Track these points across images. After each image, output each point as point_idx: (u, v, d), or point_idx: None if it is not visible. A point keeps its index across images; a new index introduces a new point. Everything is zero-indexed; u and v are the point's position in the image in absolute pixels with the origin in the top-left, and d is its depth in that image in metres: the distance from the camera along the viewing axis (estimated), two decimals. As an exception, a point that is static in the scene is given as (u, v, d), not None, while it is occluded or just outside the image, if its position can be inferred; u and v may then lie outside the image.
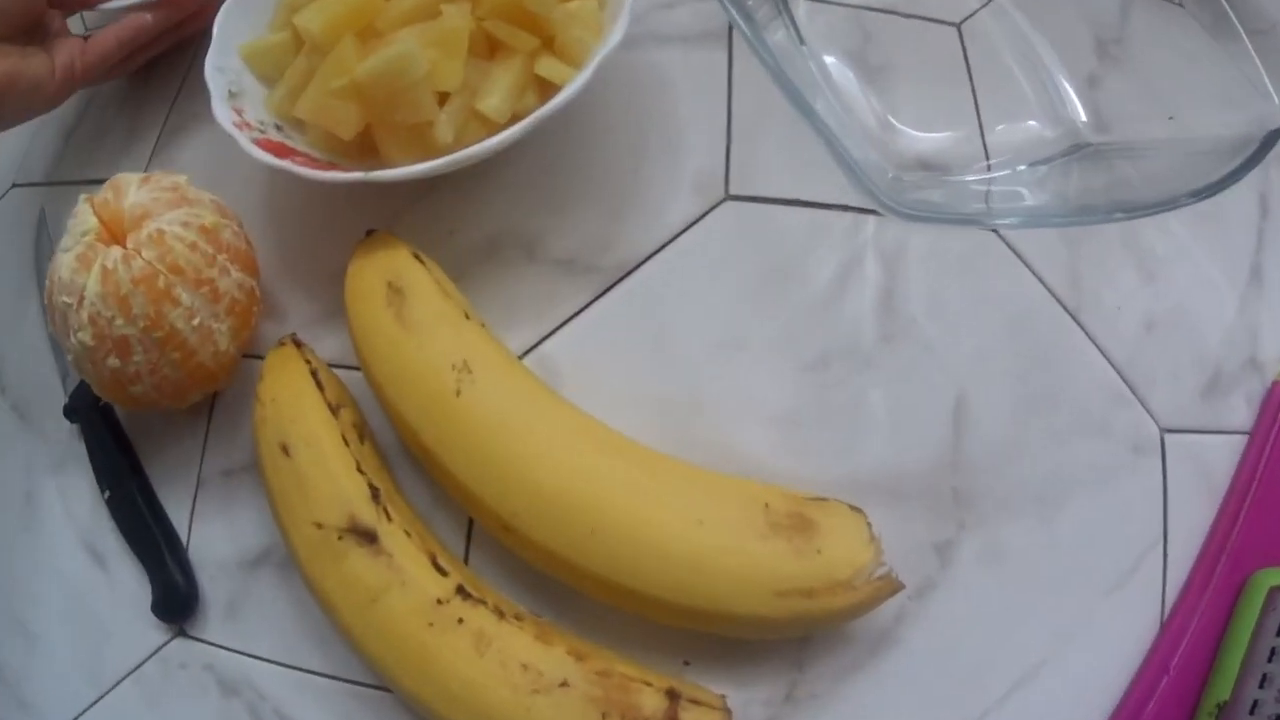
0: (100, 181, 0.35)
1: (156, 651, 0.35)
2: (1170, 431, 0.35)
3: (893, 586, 0.29)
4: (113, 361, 0.33)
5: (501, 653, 0.28)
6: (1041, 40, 0.42)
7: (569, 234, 0.37)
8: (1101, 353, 0.36)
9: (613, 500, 0.28)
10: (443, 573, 0.29)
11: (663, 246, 0.37)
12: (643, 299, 0.36)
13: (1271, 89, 0.32)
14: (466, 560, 0.33)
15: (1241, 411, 0.36)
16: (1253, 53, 0.33)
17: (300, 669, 0.34)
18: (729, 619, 0.28)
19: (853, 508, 0.30)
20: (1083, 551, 0.33)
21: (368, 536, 0.30)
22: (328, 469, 0.31)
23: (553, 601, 0.32)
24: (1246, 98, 0.32)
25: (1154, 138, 0.36)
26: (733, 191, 0.38)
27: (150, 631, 0.36)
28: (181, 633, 0.35)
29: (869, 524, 0.30)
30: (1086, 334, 0.36)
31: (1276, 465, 0.35)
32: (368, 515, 0.30)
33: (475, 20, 0.34)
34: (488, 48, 0.35)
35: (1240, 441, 0.35)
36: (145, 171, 0.42)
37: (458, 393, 0.30)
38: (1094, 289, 0.36)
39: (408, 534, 0.30)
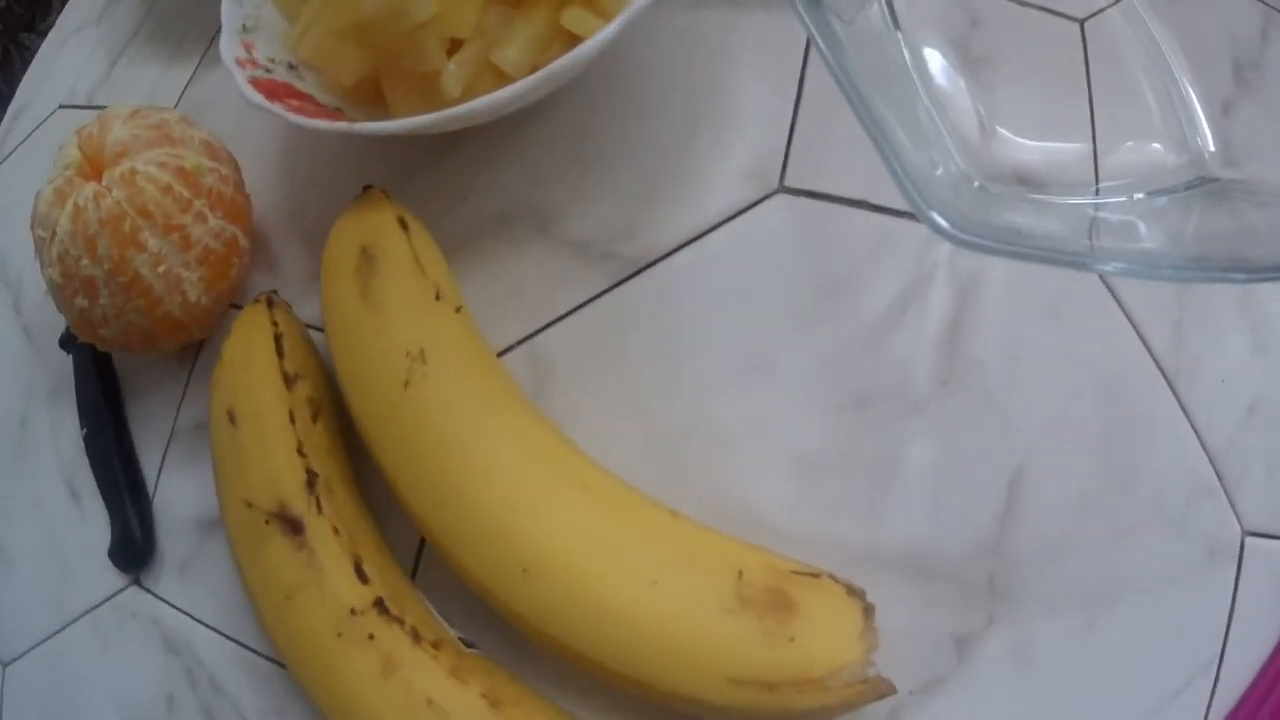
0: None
1: (112, 597, 0.34)
2: (1253, 535, 0.29)
3: (879, 690, 0.24)
4: (80, 302, 0.31)
5: (408, 681, 0.24)
6: (1175, 51, 0.35)
7: (590, 212, 0.33)
8: (1195, 432, 0.29)
9: (553, 538, 0.24)
10: (364, 580, 0.26)
11: (696, 238, 0.32)
12: (662, 297, 0.31)
13: None
14: (417, 566, 0.30)
15: None
16: None
17: (240, 643, 0.32)
18: (672, 697, 0.24)
19: (851, 589, 0.25)
20: (1124, 664, 0.28)
21: (293, 526, 0.27)
22: (265, 445, 0.28)
23: (495, 628, 0.28)
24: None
25: None
26: (789, 183, 0.32)
27: (110, 576, 0.34)
28: (136, 582, 0.34)
29: (866, 612, 0.25)
30: (1182, 407, 0.30)
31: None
32: (298, 503, 0.27)
33: (499, -40, 0.31)
34: (512, -6, 0.31)
35: None
36: (175, 104, 0.42)
37: (406, 384, 0.26)
38: (1197, 354, 0.30)
39: (336, 530, 0.27)
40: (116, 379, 0.37)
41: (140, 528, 0.34)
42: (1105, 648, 0.27)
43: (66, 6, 0.49)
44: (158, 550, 0.34)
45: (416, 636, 0.25)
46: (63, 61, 0.47)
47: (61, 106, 0.45)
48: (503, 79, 0.30)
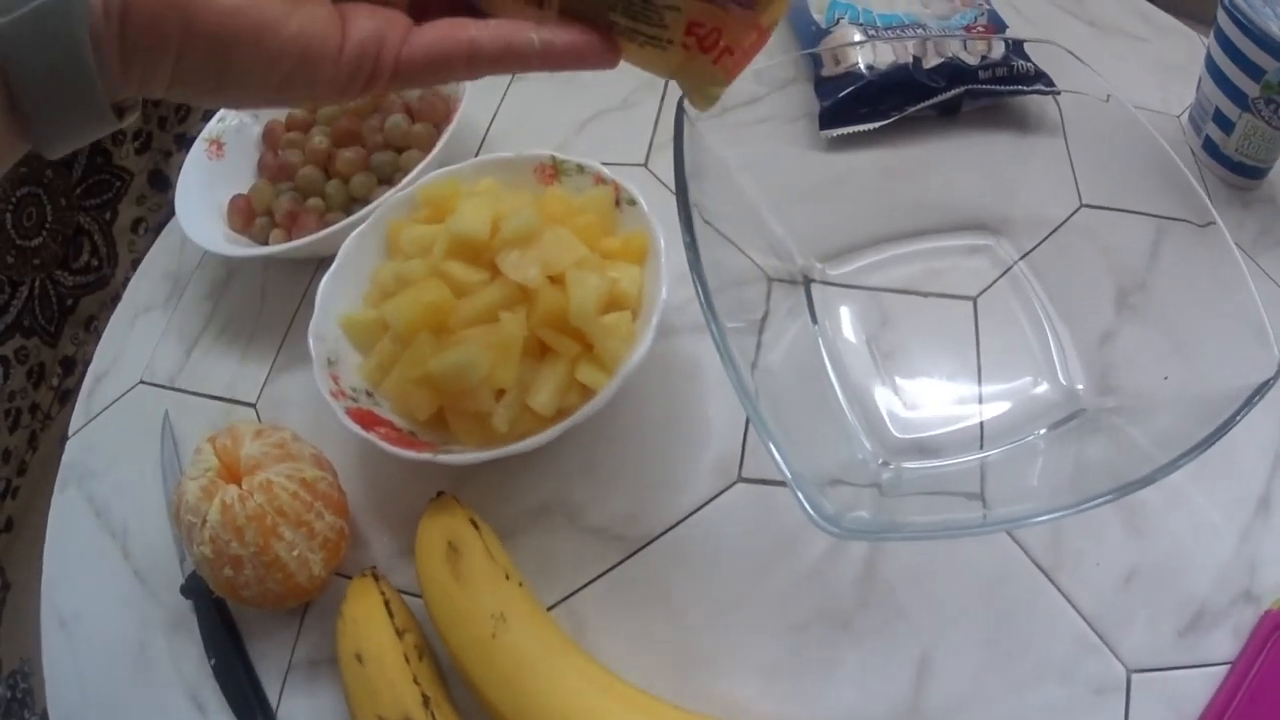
0: (216, 398, 0.44)
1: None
2: (1139, 671, 0.38)
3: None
4: (227, 572, 0.43)
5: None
6: (1054, 305, 0.46)
7: (604, 505, 0.46)
8: (1073, 607, 0.40)
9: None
10: (472, 771, 0.39)
11: (680, 521, 0.45)
12: (659, 565, 0.44)
13: (1272, 336, 0.34)
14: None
15: (1225, 645, 0.39)
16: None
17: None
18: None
19: None
20: None
21: (419, 734, 0.40)
22: (389, 678, 0.40)
23: None
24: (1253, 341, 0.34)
25: (1155, 396, 0.40)
26: (745, 474, 0.46)
27: None
28: (264, 785, 0.45)
29: None
30: (1060, 591, 0.41)
31: (1259, 689, 0.36)
32: (418, 716, 0.39)
33: (529, 327, 0.44)
34: (539, 349, 0.44)
35: (1218, 674, 0.38)
36: (255, 400, 0.53)
37: (494, 636, 0.39)
38: (1075, 549, 0.41)
39: (447, 735, 0.40)
40: (235, 622, 0.47)
41: (270, 735, 0.45)
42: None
43: (130, 285, 0.60)
44: None
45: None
46: (136, 338, 0.57)
47: (142, 382, 0.55)
48: (537, 415, 0.43)
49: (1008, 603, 0.41)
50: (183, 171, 0.56)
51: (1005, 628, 0.41)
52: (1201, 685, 0.38)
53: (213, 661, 0.47)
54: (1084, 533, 0.42)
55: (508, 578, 0.42)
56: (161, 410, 0.53)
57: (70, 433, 0.56)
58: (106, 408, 0.56)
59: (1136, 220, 0.43)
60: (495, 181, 0.49)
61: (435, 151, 0.51)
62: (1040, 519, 0.34)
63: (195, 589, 0.48)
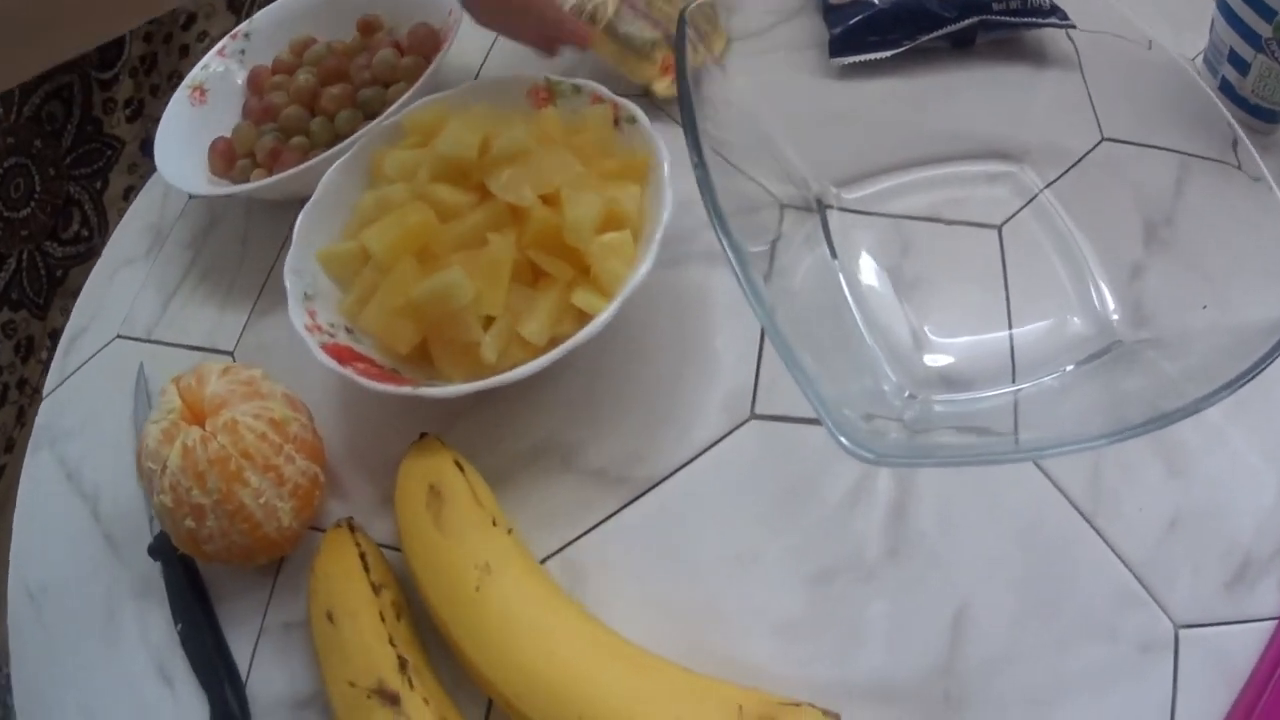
0: (193, 349, 0.41)
1: (210, 769, 0.41)
2: (1187, 627, 0.35)
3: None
4: (189, 523, 0.39)
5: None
6: (1083, 234, 0.44)
7: (604, 446, 0.42)
8: (1117, 556, 0.37)
9: (599, 693, 0.33)
10: (453, 740, 0.35)
11: (688, 462, 0.41)
12: (665, 511, 0.40)
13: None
14: (487, 728, 0.38)
15: (1271, 598, 0.36)
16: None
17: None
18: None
19: (827, 713, 0.33)
20: None
21: (391, 699, 0.35)
22: (363, 639, 0.36)
23: None
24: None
25: (1191, 328, 0.38)
26: (758, 410, 0.42)
27: None
28: (237, 759, 0.41)
29: None
30: (1102, 538, 0.37)
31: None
32: (393, 681, 0.35)
33: (519, 249, 0.40)
34: (531, 274, 0.41)
35: (1265, 630, 0.35)
36: (233, 348, 0.49)
37: (477, 589, 0.35)
38: (1115, 490, 0.38)
39: (426, 701, 0.35)
40: (204, 584, 0.44)
41: (239, 707, 0.41)
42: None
43: (112, 238, 0.57)
44: None
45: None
46: (115, 292, 0.54)
47: (119, 336, 0.52)
48: (529, 347, 0.39)
49: (1047, 550, 0.37)
50: (164, 118, 0.53)
51: (1045, 578, 0.37)
52: (1248, 642, 0.34)
53: (179, 627, 0.43)
54: (1123, 474, 0.38)
55: (494, 524, 0.37)
56: (137, 367, 0.50)
57: (45, 393, 0.53)
58: (82, 365, 0.53)
59: (1160, 156, 0.41)
60: (488, 106, 0.45)
61: (423, 79, 0.48)
62: (1079, 446, 0.31)
63: (162, 549, 0.44)
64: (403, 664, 0.36)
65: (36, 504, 0.50)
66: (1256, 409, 0.38)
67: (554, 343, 0.38)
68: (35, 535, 0.49)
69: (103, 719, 0.43)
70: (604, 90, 0.44)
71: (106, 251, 0.57)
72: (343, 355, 0.40)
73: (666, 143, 0.43)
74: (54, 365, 0.53)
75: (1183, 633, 0.35)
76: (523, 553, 0.37)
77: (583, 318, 0.39)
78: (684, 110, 0.37)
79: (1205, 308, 0.38)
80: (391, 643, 0.36)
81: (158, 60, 0.71)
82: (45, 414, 0.52)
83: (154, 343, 0.51)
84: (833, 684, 0.36)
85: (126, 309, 0.53)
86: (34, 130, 0.64)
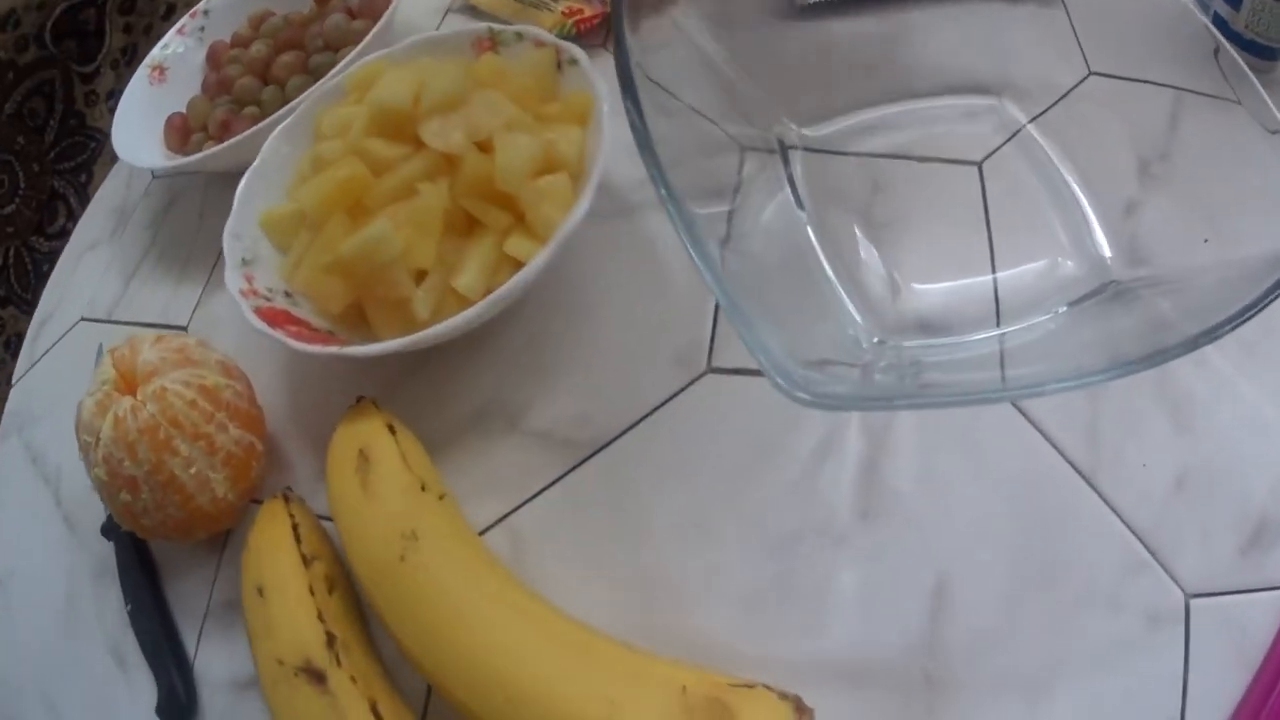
0: (150, 325, 0.40)
1: (159, 752, 0.39)
2: (1198, 596, 0.32)
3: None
4: (124, 496, 0.37)
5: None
6: (1072, 170, 0.40)
7: (550, 407, 0.39)
8: (1119, 518, 0.33)
9: (530, 673, 0.30)
10: (379, 718, 0.32)
11: (638, 421, 0.38)
12: (614, 474, 0.37)
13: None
14: (427, 707, 0.35)
15: None
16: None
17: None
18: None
19: (783, 694, 0.30)
20: None
21: (317, 677, 0.33)
22: (290, 614, 0.34)
23: None
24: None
25: (1190, 265, 0.34)
26: (715, 364, 0.39)
27: None
28: (180, 737, 0.39)
29: (798, 710, 0.29)
30: (1103, 499, 0.33)
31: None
32: (320, 658, 0.33)
33: (452, 199, 0.38)
34: (467, 225, 0.39)
35: None
36: (187, 322, 0.48)
37: (402, 558, 0.33)
38: (1116, 446, 0.34)
39: (353, 679, 0.33)
40: (154, 563, 0.42)
41: (184, 688, 0.39)
42: (1055, 720, 0.30)
43: (78, 225, 0.57)
44: (200, 709, 0.39)
45: (427, 766, 0.31)
46: (80, 276, 0.54)
47: (83, 319, 0.52)
48: (464, 301, 0.37)
49: (1040, 513, 0.33)
50: (123, 98, 0.52)
51: (1038, 544, 0.33)
52: (1266, 612, 0.31)
53: (129, 608, 0.42)
54: (1124, 429, 0.34)
55: (424, 489, 0.35)
56: (96, 348, 0.49)
57: (14, 380, 0.52)
58: (48, 351, 0.52)
59: (1153, 90, 0.37)
60: (431, 61, 0.43)
61: (370, 38, 0.46)
62: (1072, 383, 0.27)
63: (114, 528, 0.43)
64: (330, 639, 0.34)
65: (3, 492, 0.49)
66: (1267, 357, 0.35)
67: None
68: (2, 524, 0.49)
69: (62, 705, 0.43)
70: (546, 35, 0.42)
71: (73, 237, 0.57)
72: (277, 319, 0.39)
73: (612, 85, 0.40)
74: (23, 353, 0.53)
75: (1194, 602, 0.32)
76: (454, 520, 0.35)
77: (520, 269, 0.37)
78: (617, 43, 0.34)
79: (1206, 241, 0.34)
80: (320, 618, 0.34)
81: (138, 51, 0.71)
82: (14, 401, 0.52)
83: (114, 323, 0.50)
84: (797, 662, 0.33)
85: (91, 292, 0.52)
86: (16, 127, 0.65)
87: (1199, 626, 0.31)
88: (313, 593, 0.35)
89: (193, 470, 0.37)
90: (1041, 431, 0.35)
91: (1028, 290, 0.38)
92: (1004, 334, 0.37)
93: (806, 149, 0.42)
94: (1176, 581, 0.32)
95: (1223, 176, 0.34)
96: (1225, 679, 0.30)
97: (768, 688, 0.30)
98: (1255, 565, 0.32)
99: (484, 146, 0.38)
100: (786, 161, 0.42)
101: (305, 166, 0.41)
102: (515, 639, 0.31)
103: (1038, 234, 0.39)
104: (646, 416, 0.38)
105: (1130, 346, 0.31)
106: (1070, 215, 0.39)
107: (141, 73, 0.53)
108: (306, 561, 0.36)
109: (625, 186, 0.42)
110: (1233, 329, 0.27)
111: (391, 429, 0.36)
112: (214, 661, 0.40)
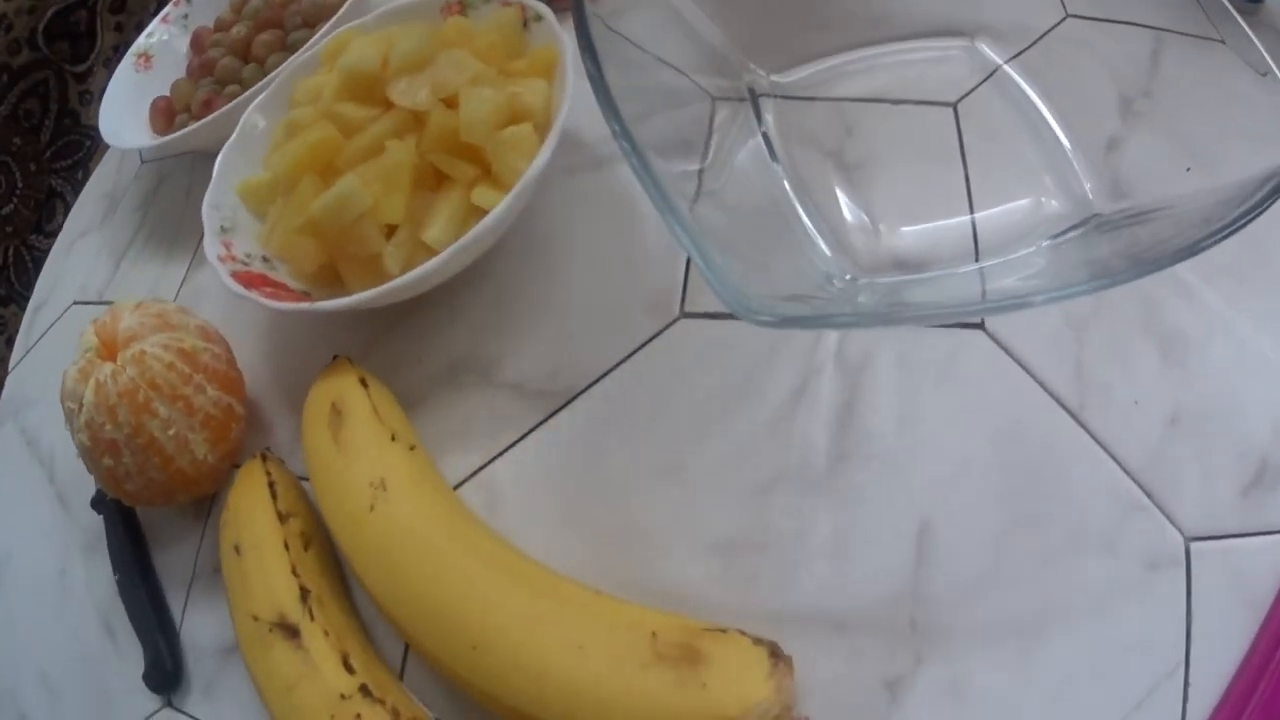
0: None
1: (149, 718, 0.39)
2: (1199, 540, 0.30)
3: (798, 725, 0.28)
4: (107, 461, 0.38)
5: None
6: (1050, 109, 0.39)
7: (522, 358, 0.39)
8: (1111, 456, 0.31)
9: (495, 619, 0.30)
10: (351, 671, 0.32)
11: (611, 369, 0.37)
12: (587, 424, 0.37)
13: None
14: (404, 662, 0.35)
15: None
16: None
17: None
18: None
19: (757, 640, 0.29)
20: (1076, 682, 0.28)
21: (291, 631, 0.33)
22: (265, 570, 0.34)
23: (467, 710, 0.33)
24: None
25: (1175, 193, 0.33)
26: (688, 309, 0.38)
27: (145, 699, 0.39)
28: (169, 703, 0.39)
29: (773, 655, 0.28)
30: (1093, 437, 0.32)
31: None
32: (294, 613, 0.33)
33: (420, 154, 0.38)
34: (435, 180, 0.39)
35: None
36: (174, 297, 0.49)
37: (371, 508, 0.33)
38: (1105, 382, 0.33)
39: (326, 633, 0.33)
40: (142, 532, 0.43)
41: (170, 656, 0.39)
42: (1049, 670, 0.29)
43: (70, 214, 0.58)
44: (186, 674, 0.39)
45: (396, 715, 0.31)
46: (72, 263, 0.55)
47: (76, 303, 0.52)
48: (434, 254, 0.37)
49: (1027, 452, 0.32)
50: (109, 85, 0.53)
51: (1026, 486, 0.31)
52: (1271, 557, 0.29)
53: (117, 578, 0.42)
54: (1112, 363, 0.33)
55: (394, 439, 0.35)
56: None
57: (10, 368, 0.53)
58: (42, 336, 0.53)
59: (1133, 31, 0.36)
60: (400, 28, 0.43)
61: (344, 9, 0.47)
62: (1049, 296, 0.26)
63: (102, 499, 0.44)
64: (304, 594, 0.34)
65: (2, 476, 0.50)
66: (1261, 290, 0.34)
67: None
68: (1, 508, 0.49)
69: (56, 679, 0.43)
70: (514, -6, 0.42)
71: (66, 226, 0.58)
72: (254, 281, 0.39)
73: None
74: (18, 339, 0.54)
75: (1194, 546, 0.30)
76: (425, 469, 0.35)
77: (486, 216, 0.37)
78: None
79: (1189, 170, 0.32)
80: (294, 572, 0.34)
81: (129, 48, 0.71)
82: (10, 388, 0.52)
83: (106, 304, 0.50)
84: (776, 610, 0.31)
85: (83, 277, 0.53)
86: (12, 128, 0.66)
87: (1200, 571, 0.29)
88: (288, 548, 0.35)
89: (171, 432, 0.37)
90: (1025, 367, 0.34)
91: (1008, 228, 0.37)
92: (984, 266, 0.36)
93: (778, 96, 0.42)
94: (1174, 524, 0.30)
95: (1208, 111, 0.33)
96: (1230, 625, 0.29)
97: (741, 632, 0.29)
98: (1258, 507, 0.30)
99: (450, 103, 0.38)
100: (758, 110, 0.41)
101: (280, 134, 0.42)
102: (482, 586, 0.31)
103: (1017, 172, 0.38)
104: (619, 364, 0.37)
105: (1115, 265, 0.30)
106: (1049, 153, 0.38)
107: (127, 61, 0.54)
108: (282, 518, 0.36)
109: (595, 140, 0.42)
110: (1221, 239, 0.26)
111: (364, 383, 0.36)
112: (200, 627, 0.40)
